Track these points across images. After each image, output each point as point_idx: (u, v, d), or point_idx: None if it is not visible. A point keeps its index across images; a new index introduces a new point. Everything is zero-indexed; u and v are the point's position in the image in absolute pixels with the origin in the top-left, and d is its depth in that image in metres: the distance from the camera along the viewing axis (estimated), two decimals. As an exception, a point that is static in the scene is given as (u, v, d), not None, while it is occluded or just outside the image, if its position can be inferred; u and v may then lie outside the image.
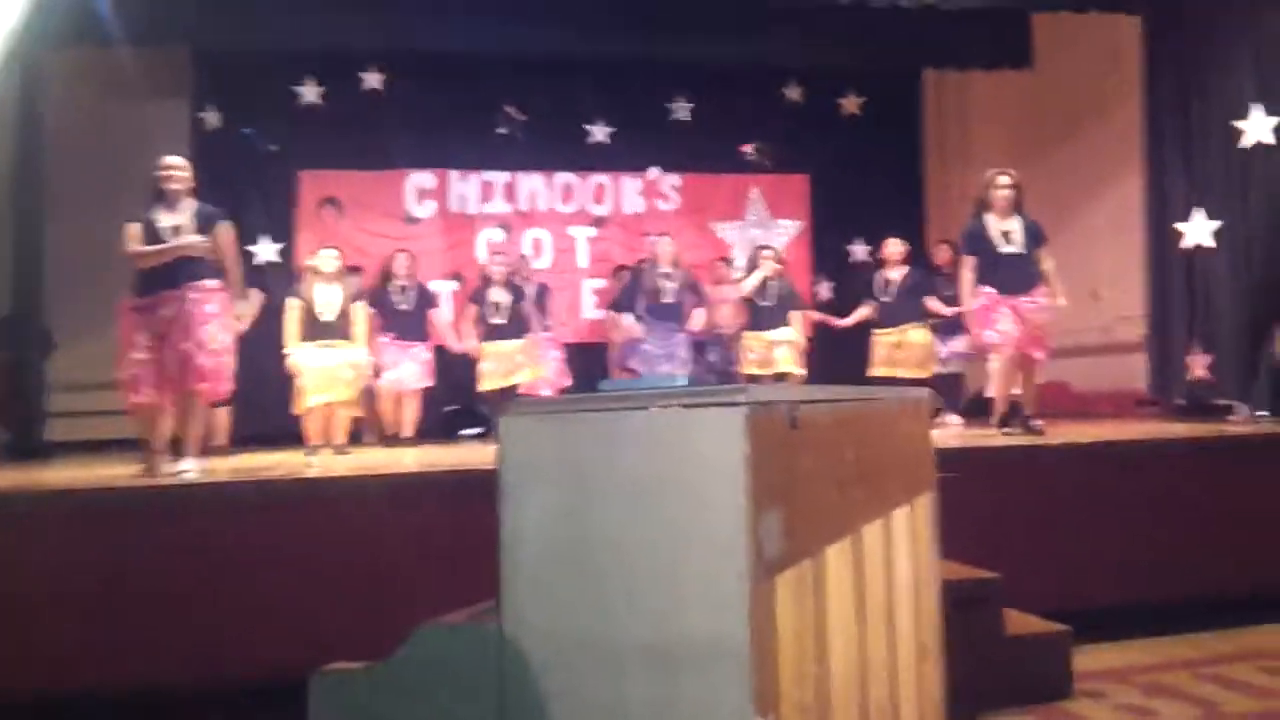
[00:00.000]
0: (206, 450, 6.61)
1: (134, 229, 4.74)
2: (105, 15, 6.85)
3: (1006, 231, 5.87)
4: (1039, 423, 5.78)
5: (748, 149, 10.00)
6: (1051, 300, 5.90)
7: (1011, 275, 5.82)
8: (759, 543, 1.46)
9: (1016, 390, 5.98)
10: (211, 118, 9.00)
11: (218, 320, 4.74)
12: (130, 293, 4.73)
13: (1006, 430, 5.85)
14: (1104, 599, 4.31)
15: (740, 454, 1.46)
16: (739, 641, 1.43)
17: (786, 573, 1.53)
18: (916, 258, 8.09)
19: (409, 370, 7.47)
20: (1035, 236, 5.92)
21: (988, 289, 5.84)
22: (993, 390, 6.47)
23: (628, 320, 7.76)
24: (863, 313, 7.91)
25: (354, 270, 7.66)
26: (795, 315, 7.95)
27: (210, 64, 8.95)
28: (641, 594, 1.52)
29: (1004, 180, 5.93)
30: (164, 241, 4.67)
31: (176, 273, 4.68)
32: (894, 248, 7.85)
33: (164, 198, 4.80)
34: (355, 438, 7.50)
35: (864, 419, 1.99)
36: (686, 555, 1.49)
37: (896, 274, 7.76)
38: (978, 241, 5.95)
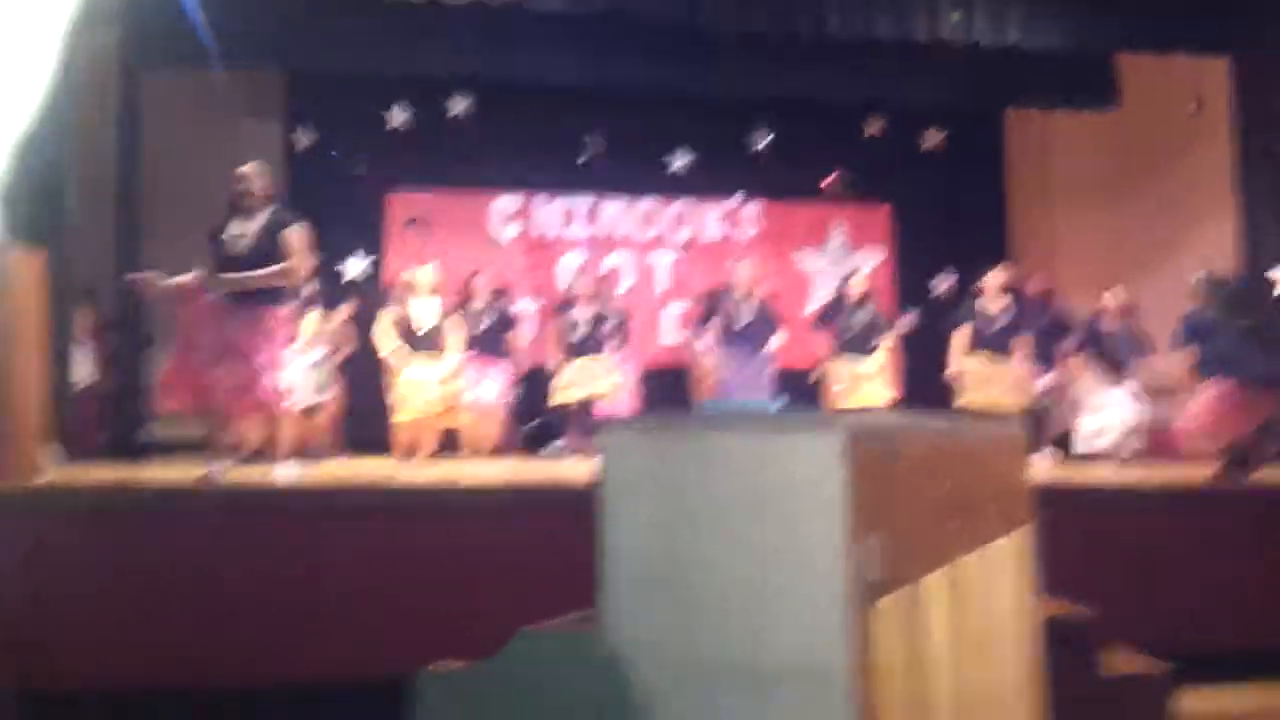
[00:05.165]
0: (304, 455, 6.79)
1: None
2: (202, 38, 7.08)
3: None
4: None
5: (828, 181, 9.96)
6: None
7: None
8: (859, 567, 1.46)
9: None
10: (303, 138, 9.23)
11: (282, 343, 4.83)
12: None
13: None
14: (1207, 641, 4.21)
15: (840, 478, 1.46)
16: (838, 666, 1.43)
17: (886, 599, 1.52)
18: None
19: (489, 387, 7.60)
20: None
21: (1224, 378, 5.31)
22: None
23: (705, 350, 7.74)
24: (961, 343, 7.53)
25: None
26: (884, 343, 7.89)
27: (303, 86, 9.20)
28: (735, 614, 1.53)
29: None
30: (229, 254, 4.76)
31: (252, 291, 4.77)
32: (997, 278, 7.54)
33: (238, 207, 4.89)
34: (446, 448, 7.62)
35: (961, 449, 1.98)
36: (783, 578, 1.50)
37: (997, 304, 7.48)
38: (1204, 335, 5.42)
